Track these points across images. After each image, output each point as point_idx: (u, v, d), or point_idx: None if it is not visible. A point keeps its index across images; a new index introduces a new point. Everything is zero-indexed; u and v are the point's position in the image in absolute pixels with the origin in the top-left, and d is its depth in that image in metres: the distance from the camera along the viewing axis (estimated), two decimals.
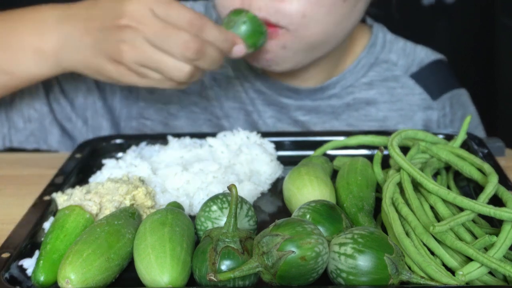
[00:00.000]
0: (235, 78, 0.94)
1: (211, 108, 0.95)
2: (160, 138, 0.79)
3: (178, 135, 0.78)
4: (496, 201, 0.59)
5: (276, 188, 0.72)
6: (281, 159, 0.77)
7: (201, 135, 0.78)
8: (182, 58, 0.71)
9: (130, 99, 0.96)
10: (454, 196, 0.57)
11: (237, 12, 0.77)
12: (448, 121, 0.96)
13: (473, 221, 0.59)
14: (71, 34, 0.76)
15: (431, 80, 0.96)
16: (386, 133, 0.77)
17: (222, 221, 0.58)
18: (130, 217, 0.59)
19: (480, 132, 0.99)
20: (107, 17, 0.72)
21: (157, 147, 0.77)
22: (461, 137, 0.71)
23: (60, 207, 0.63)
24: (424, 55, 0.97)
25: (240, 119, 0.95)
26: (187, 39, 0.69)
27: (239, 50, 0.75)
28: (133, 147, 0.78)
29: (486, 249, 0.54)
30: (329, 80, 0.93)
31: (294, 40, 0.79)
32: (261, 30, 0.77)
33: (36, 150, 0.94)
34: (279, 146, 0.78)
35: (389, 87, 0.94)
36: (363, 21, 0.97)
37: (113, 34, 0.71)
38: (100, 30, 0.73)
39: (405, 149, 0.68)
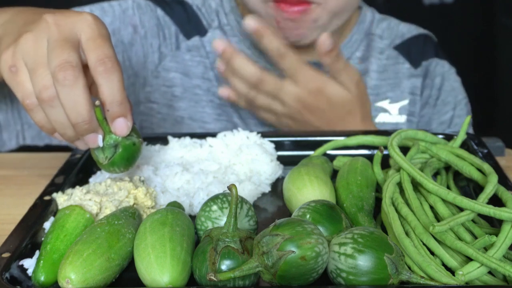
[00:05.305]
0: None
1: (213, 89, 0.99)
2: (160, 138, 0.79)
3: (178, 135, 0.78)
4: (496, 201, 0.59)
5: (276, 188, 0.73)
6: (281, 159, 0.77)
7: (201, 135, 0.78)
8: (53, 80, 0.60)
9: (136, 85, 0.99)
10: (454, 196, 0.57)
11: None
12: (429, 88, 1.04)
13: (473, 221, 0.59)
14: (8, 14, 0.73)
15: (413, 51, 1.05)
16: (386, 133, 0.77)
17: (222, 221, 0.58)
18: (130, 217, 0.59)
19: (464, 108, 1.04)
20: (43, 11, 0.66)
21: (157, 147, 0.77)
22: (461, 137, 0.71)
23: (60, 207, 0.63)
24: (406, 30, 1.06)
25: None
26: (72, 73, 0.58)
27: (93, 139, 0.63)
28: None
29: (486, 249, 0.54)
30: None
31: (322, 12, 0.90)
32: (131, 162, 0.65)
33: (47, 147, 0.95)
34: (279, 146, 0.78)
35: (377, 58, 1.03)
36: None
37: (31, 23, 0.64)
38: (25, 22, 0.66)
39: (405, 149, 0.68)
